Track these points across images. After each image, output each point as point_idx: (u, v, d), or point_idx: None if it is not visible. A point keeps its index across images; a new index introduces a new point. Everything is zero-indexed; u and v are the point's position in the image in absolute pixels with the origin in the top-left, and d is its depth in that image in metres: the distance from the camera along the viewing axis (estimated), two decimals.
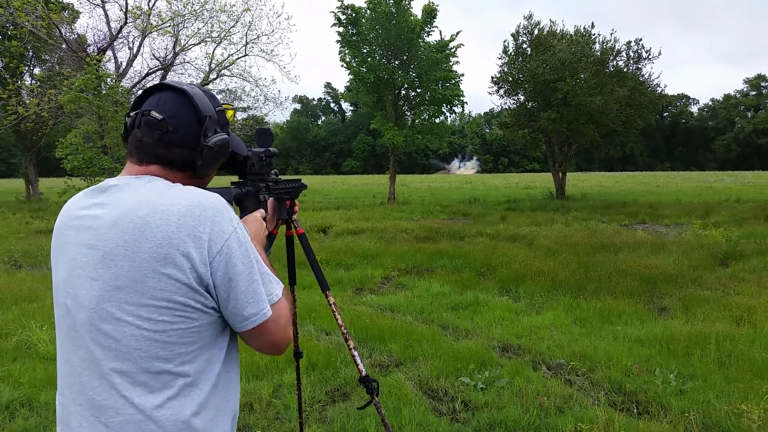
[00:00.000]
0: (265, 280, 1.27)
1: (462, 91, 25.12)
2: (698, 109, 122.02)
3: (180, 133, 1.27)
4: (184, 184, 1.29)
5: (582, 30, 26.13)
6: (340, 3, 24.01)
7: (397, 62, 24.94)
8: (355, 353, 2.51)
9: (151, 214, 1.17)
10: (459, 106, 25.88)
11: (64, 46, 20.82)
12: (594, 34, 25.88)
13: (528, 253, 10.29)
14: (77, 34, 22.62)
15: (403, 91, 25.90)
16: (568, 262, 9.20)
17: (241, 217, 1.55)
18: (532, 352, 5.13)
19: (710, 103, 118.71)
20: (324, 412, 3.94)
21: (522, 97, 27.07)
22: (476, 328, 5.95)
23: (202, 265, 1.16)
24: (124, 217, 1.19)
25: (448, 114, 27.19)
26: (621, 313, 6.26)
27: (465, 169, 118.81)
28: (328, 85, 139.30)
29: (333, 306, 2.48)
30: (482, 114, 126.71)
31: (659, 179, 57.66)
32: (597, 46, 25.51)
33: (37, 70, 28.81)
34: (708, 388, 4.08)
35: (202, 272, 1.16)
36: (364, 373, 2.52)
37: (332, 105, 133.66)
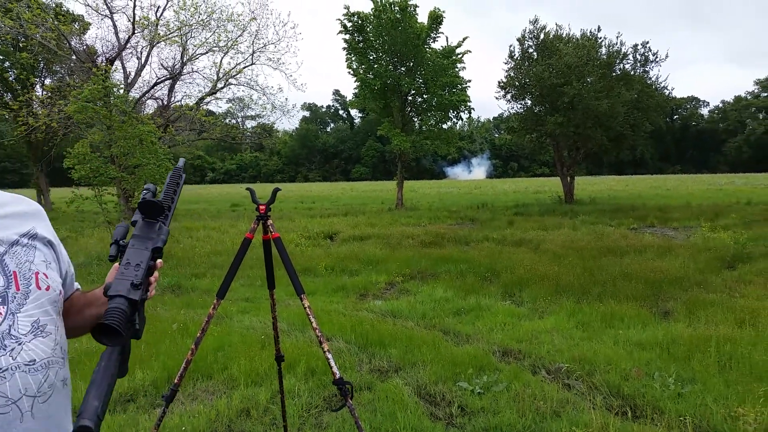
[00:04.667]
0: None
1: (468, 97, 25.09)
2: (708, 111, 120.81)
3: None
4: None
5: (588, 33, 26.11)
6: (347, 10, 24.11)
7: (403, 68, 24.97)
8: (329, 356, 2.53)
9: None
10: (466, 111, 25.86)
11: (73, 57, 21.04)
12: (600, 38, 25.87)
13: (533, 257, 10.27)
14: (86, 45, 22.85)
15: (410, 97, 25.90)
16: (573, 266, 9.17)
17: None
18: (532, 356, 5.11)
19: (721, 105, 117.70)
20: (320, 417, 3.96)
21: (529, 102, 27.05)
22: (477, 333, 5.95)
23: None
24: None
25: (455, 120, 27.20)
26: (623, 317, 6.24)
27: (474, 174, 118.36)
28: (336, 93, 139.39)
29: (308, 309, 2.50)
30: (491, 119, 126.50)
31: (670, 182, 57.27)
32: (603, 50, 25.47)
33: (48, 81, 29.12)
34: (706, 391, 4.06)
35: None
36: (338, 376, 2.54)
37: (341, 112, 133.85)
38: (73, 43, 21.30)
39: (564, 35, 26.11)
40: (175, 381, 2.83)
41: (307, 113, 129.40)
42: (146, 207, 1.36)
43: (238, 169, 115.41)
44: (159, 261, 1.39)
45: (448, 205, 28.01)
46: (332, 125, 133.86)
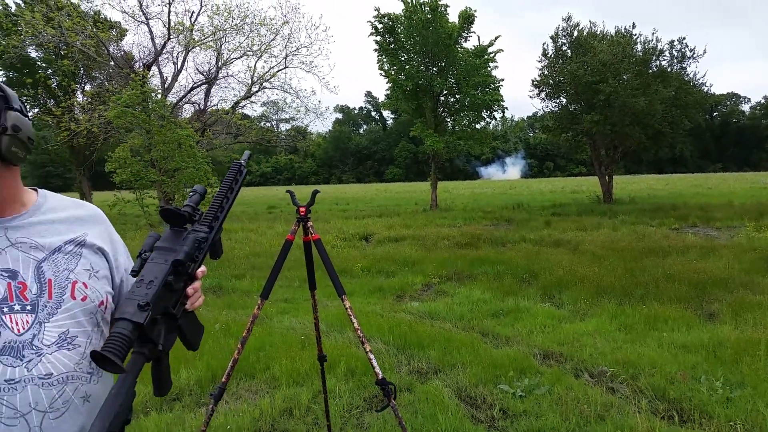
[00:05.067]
0: None
1: (501, 96, 24.87)
2: (750, 107, 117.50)
3: None
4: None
5: (623, 30, 25.61)
6: (377, 12, 24.17)
7: (435, 69, 24.89)
8: (372, 356, 2.55)
9: None
10: (499, 111, 25.65)
11: (112, 63, 21.58)
12: (635, 35, 25.33)
13: (572, 258, 10.13)
14: (124, 51, 23.40)
15: (442, 98, 25.82)
16: (614, 267, 9.01)
17: None
18: (574, 359, 5.05)
19: (763, 101, 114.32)
20: (362, 418, 3.98)
21: (564, 100, 26.65)
22: (517, 335, 5.90)
23: None
24: None
25: (488, 119, 26.99)
26: (667, 319, 6.10)
27: (508, 174, 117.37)
28: (368, 94, 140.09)
29: (349, 310, 2.52)
30: (525, 118, 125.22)
31: (711, 181, 55.84)
32: (639, 47, 24.95)
33: (88, 87, 29.90)
34: (757, 396, 3.94)
35: None
36: (380, 376, 2.55)
37: (373, 113, 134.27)
38: (111, 49, 21.87)
39: (598, 32, 25.68)
40: (223, 379, 2.88)
41: (339, 115, 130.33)
42: (166, 215, 1.27)
43: (274, 171, 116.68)
44: (201, 269, 1.31)
45: (482, 205, 27.81)
46: (365, 127, 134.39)
